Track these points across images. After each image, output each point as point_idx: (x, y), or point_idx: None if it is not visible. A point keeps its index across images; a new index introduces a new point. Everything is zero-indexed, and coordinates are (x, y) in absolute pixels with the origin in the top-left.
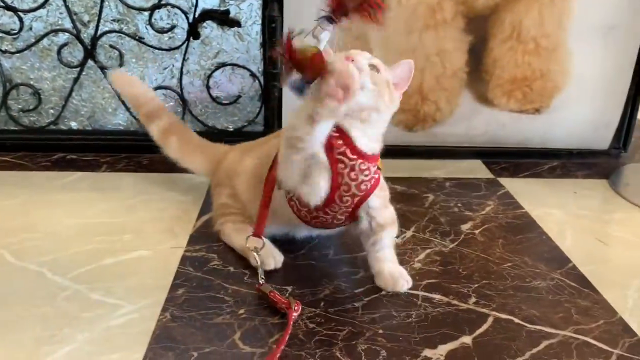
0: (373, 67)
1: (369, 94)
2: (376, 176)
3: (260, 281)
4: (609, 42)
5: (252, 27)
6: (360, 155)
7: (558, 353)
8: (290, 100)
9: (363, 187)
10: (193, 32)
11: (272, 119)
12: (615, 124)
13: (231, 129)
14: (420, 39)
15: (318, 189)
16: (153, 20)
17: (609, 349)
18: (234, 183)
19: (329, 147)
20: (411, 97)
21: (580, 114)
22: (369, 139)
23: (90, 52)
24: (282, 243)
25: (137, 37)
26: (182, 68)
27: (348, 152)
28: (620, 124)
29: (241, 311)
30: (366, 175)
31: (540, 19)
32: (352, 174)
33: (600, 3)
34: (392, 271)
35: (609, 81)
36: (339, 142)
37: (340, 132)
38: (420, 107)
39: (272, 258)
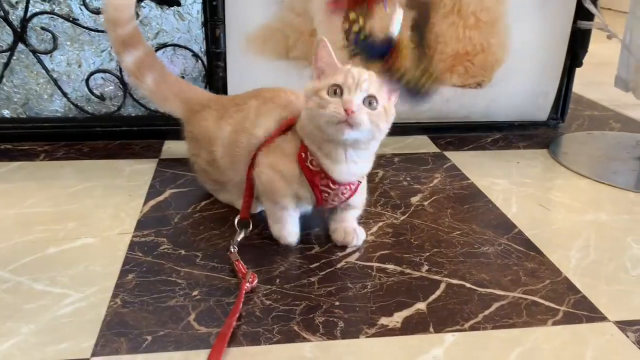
0: (372, 98)
1: (367, 131)
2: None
3: (232, 249)
4: (544, 15)
5: (193, 5)
6: (343, 184)
7: (509, 313)
8: (234, 79)
9: (347, 195)
10: None
11: None
12: (552, 96)
13: None
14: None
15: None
16: (87, 0)
17: (555, 306)
18: (212, 148)
19: (313, 184)
20: None
21: (519, 86)
22: (360, 162)
23: (20, 35)
24: (232, 224)
25: (70, 19)
26: None
27: (330, 184)
28: (557, 95)
29: (195, 293)
30: (350, 189)
31: None
32: (336, 197)
33: None
34: (347, 227)
35: (546, 53)
36: (322, 180)
37: (322, 171)
38: None
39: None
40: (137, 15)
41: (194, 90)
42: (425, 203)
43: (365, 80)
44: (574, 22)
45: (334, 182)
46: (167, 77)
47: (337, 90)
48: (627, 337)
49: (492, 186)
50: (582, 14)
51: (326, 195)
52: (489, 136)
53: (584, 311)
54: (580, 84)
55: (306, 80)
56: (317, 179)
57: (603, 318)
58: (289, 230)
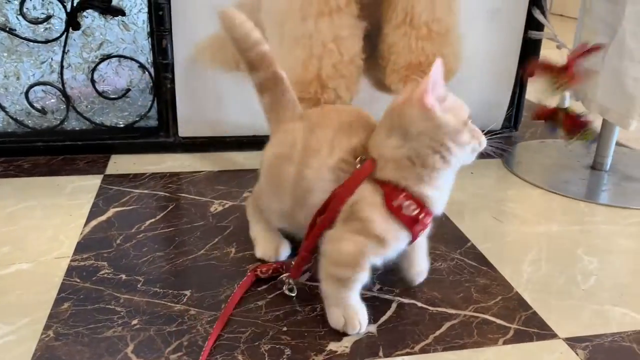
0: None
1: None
2: None
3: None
4: (495, 25)
5: (138, 15)
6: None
7: (459, 333)
8: (183, 91)
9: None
10: (72, 22)
11: (165, 112)
12: (505, 105)
13: (122, 125)
14: (316, 26)
15: None
16: (25, 9)
17: (506, 324)
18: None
19: (412, 228)
20: (310, 85)
21: (472, 96)
22: None
23: None
24: (178, 245)
25: (7, 29)
26: (62, 61)
27: (427, 218)
28: (510, 104)
29: (134, 322)
30: None
31: (431, 4)
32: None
33: None
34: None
35: (498, 63)
36: (423, 218)
37: (421, 208)
38: (320, 95)
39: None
40: (79, 25)
41: (295, 107)
42: None
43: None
44: (525, 32)
45: (431, 214)
46: (281, 94)
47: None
48: (577, 354)
49: None
50: (533, 24)
51: (421, 231)
52: None
53: (534, 328)
54: (535, 92)
55: None
56: (417, 220)
57: (553, 335)
58: (360, 313)
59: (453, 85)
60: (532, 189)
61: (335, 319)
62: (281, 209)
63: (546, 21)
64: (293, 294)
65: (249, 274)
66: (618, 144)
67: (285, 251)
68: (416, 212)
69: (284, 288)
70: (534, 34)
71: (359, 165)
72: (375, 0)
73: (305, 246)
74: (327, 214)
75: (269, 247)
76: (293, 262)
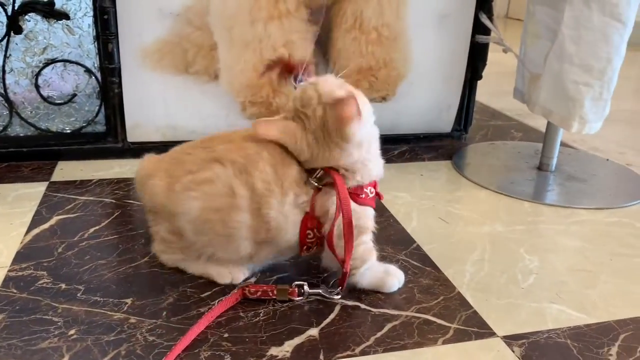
0: None
1: None
2: None
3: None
4: (443, 29)
5: (83, 19)
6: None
7: (400, 334)
8: (131, 96)
9: None
10: (14, 26)
11: (113, 117)
12: (455, 108)
13: (68, 131)
14: (266, 30)
15: None
16: None
17: (446, 324)
18: (175, 224)
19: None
20: (262, 89)
21: (423, 99)
22: None
23: None
24: (121, 252)
25: None
26: (3, 66)
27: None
28: (460, 107)
29: (72, 332)
30: None
31: (380, 8)
32: None
33: None
34: None
35: (447, 66)
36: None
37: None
38: (272, 99)
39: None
40: (21, 29)
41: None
42: None
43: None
44: (473, 36)
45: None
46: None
47: None
48: (513, 351)
49: (394, 200)
50: (480, 28)
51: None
52: (396, 148)
53: (474, 327)
54: (487, 94)
55: (208, 95)
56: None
57: (492, 334)
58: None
59: (403, 89)
60: (480, 190)
61: (394, 283)
62: (240, 254)
63: (492, 25)
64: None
65: (236, 291)
66: (564, 144)
67: (243, 273)
68: (373, 192)
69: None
70: (481, 38)
71: (314, 183)
72: (325, 5)
73: (347, 260)
74: (346, 230)
75: (223, 270)
76: (288, 287)
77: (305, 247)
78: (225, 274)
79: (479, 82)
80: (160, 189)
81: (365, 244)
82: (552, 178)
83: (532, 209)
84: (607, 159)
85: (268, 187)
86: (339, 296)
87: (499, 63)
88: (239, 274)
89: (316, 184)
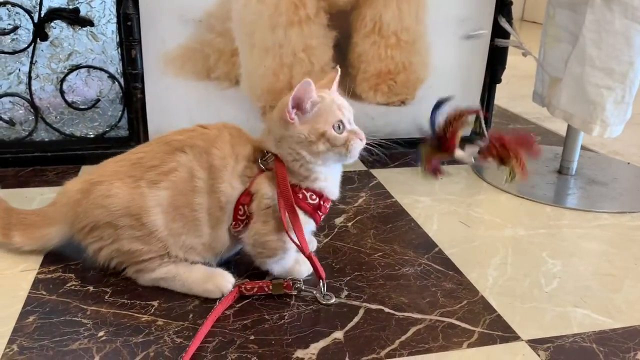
0: None
1: None
2: None
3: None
4: (463, 33)
5: (107, 25)
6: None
7: (425, 338)
8: (154, 101)
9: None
10: (40, 33)
11: (136, 122)
12: None
13: (92, 136)
14: (286, 35)
15: None
16: None
17: (471, 327)
18: (144, 221)
19: (315, 214)
20: (282, 94)
21: None
22: None
23: None
24: None
25: None
26: (30, 72)
27: (327, 204)
28: None
29: (101, 333)
30: None
31: (399, 13)
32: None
33: None
34: None
35: (466, 71)
36: (322, 206)
37: (321, 197)
38: None
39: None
40: (47, 36)
41: (54, 200)
42: (349, 224)
43: (346, 105)
44: (492, 39)
45: (329, 201)
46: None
47: (340, 125)
48: (538, 355)
49: (415, 204)
50: (500, 32)
51: (323, 216)
52: (414, 152)
53: (498, 331)
54: (506, 98)
55: (229, 100)
56: (318, 207)
57: (516, 337)
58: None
59: (422, 93)
60: (500, 194)
61: (301, 272)
62: (202, 242)
63: (511, 29)
64: (332, 301)
65: (233, 289)
66: (584, 148)
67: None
68: (314, 199)
69: (322, 299)
70: (500, 42)
71: (261, 165)
72: (344, 10)
73: (305, 246)
74: (290, 216)
75: (209, 286)
76: (282, 281)
77: (235, 223)
78: (213, 290)
79: (498, 86)
80: (120, 190)
81: (282, 242)
82: (573, 182)
83: (553, 213)
84: (628, 163)
85: (223, 162)
86: (333, 300)
87: (518, 67)
88: (226, 284)
89: (262, 166)
